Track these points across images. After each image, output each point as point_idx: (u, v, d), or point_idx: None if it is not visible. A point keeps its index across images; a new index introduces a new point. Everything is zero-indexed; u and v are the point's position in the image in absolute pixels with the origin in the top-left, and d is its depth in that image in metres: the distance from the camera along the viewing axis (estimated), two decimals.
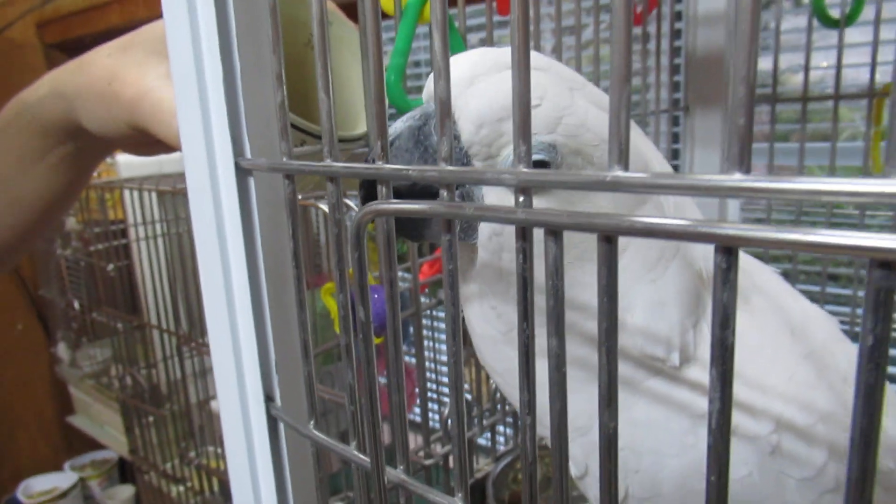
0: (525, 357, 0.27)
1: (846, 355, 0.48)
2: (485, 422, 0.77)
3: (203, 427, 1.49)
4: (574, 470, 0.48)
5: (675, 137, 1.10)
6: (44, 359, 2.18)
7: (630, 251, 0.43)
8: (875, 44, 0.88)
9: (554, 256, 0.25)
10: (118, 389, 1.60)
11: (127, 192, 1.40)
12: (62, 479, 2.04)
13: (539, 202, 0.41)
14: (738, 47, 0.20)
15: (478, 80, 0.41)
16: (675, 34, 1.07)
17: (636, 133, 0.47)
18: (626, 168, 0.23)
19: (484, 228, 0.42)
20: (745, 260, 0.56)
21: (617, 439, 0.25)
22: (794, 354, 0.47)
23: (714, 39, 0.99)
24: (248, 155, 0.41)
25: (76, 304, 1.85)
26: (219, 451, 1.57)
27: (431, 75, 0.44)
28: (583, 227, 0.24)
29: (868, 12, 0.91)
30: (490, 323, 0.45)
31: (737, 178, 0.20)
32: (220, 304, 0.44)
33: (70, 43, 1.90)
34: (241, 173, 0.41)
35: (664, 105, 0.97)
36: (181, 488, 1.49)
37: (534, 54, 0.45)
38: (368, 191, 0.41)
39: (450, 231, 0.28)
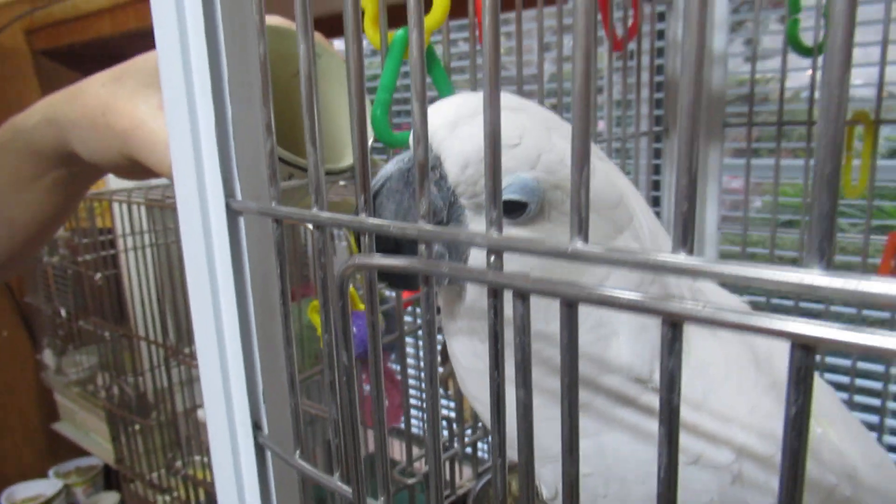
0: (496, 405, 0.29)
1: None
2: (467, 439, 0.80)
3: (190, 438, 1.50)
4: (546, 492, 0.50)
5: (658, 153, 1.13)
6: (29, 365, 2.18)
7: (612, 279, 0.45)
8: (847, 70, 0.91)
9: (521, 315, 0.28)
10: (105, 399, 1.61)
11: (116, 205, 1.41)
12: (47, 486, 2.04)
13: (523, 232, 0.44)
14: (681, 142, 0.22)
15: (460, 123, 0.44)
16: (658, 52, 1.11)
17: (611, 168, 0.49)
18: (585, 239, 0.25)
19: (473, 263, 0.44)
20: (715, 290, 0.59)
21: (578, 485, 0.27)
22: (759, 386, 0.49)
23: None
24: (239, 196, 0.43)
25: (63, 312, 1.85)
26: (205, 460, 1.58)
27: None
28: (547, 292, 0.26)
29: None
30: (478, 356, 0.47)
31: (681, 259, 0.23)
32: (210, 336, 0.46)
33: (60, 50, 1.90)
34: (232, 213, 0.43)
35: (646, 123, 1.00)
36: (167, 498, 1.50)
37: (510, 97, 0.48)
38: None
39: (427, 285, 0.30)
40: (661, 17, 1.04)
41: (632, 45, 0.93)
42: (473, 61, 0.67)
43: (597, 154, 0.49)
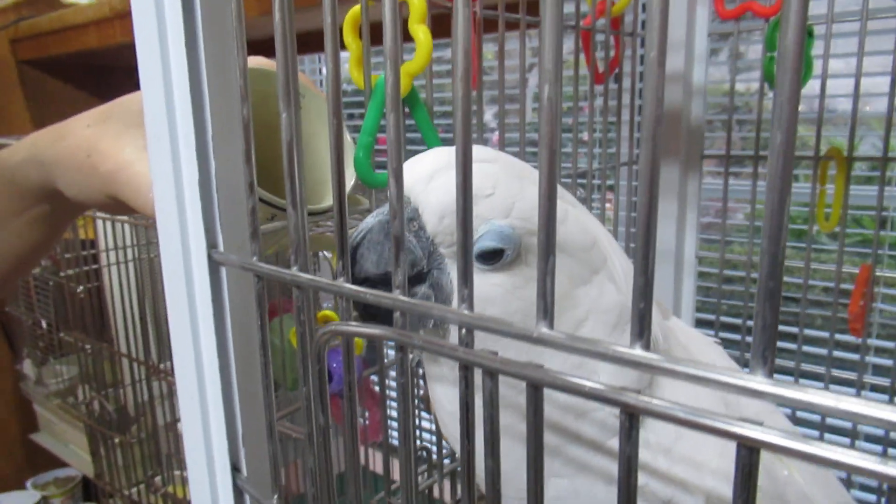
0: (466, 473, 0.31)
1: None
2: (445, 468, 0.81)
3: (171, 453, 1.49)
4: None
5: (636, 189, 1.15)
6: (8, 375, 2.16)
7: (591, 320, 0.46)
8: (820, 110, 0.93)
9: (489, 391, 0.29)
10: (85, 415, 1.60)
11: (99, 221, 1.41)
12: (24, 498, 2.02)
13: (501, 277, 0.45)
14: (638, 243, 0.24)
15: (437, 175, 0.45)
16: (640, 78, 1.13)
17: (583, 212, 0.51)
18: (550, 326, 0.26)
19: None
20: (684, 328, 0.60)
21: None
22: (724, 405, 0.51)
23: (672, 97, 1.04)
24: (221, 247, 0.44)
25: (44, 324, 1.84)
26: (185, 475, 1.58)
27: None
28: (514, 374, 0.27)
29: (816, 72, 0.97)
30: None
31: (637, 353, 0.24)
32: (191, 380, 0.47)
33: (45, 61, 1.89)
34: (214, 264, 0.44)
35: (626, 156, 1.02)
36: None
37: (483, 149, 0.49)
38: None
39: (402, 352, 0.32)
40: (643, 43, 1.06)
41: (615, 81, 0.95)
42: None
43: (568, 200, 0.51)
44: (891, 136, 0.86)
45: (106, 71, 1.98)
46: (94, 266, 1.57)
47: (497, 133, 0.76)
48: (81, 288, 1.59)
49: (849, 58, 0.96)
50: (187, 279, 0.45)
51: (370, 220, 0.46)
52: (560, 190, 0.50)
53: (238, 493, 0.48)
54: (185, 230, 0.44)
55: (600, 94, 0.92)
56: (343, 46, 0.54)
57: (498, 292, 0.45)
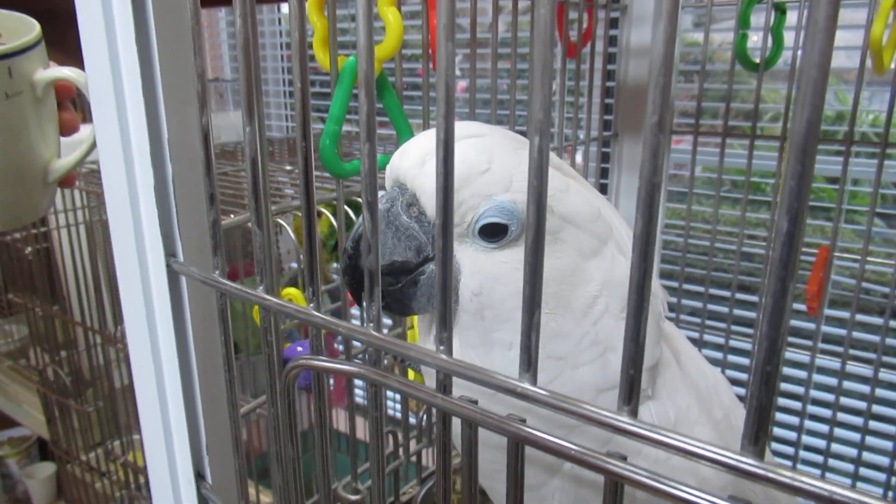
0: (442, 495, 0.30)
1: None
2: (412, 448, 0.81)
3: (129, 417, 1.47)
4: None
5: (606, 157, 1.14)
6: None
7: (603, 297, 0.45)
8: (789, 89, 0.93)
9: (468, 439, 0.28)
10: (38, 383, 1.56)
11: None
12: None
13: (508, 255, 0.43)
14: (628, 323, 0.23)
15: (429, 158, 0.43)
16: (610, 59, 1.11)
17: (584, 183, 0.49)
18: (534, 382, 0.25)
19: (464, 291, 0.44)
20: (692, 355, 0.60)
21: None
22: (712, 419, 0.52)
23: (642, 71, 1.02)
24: (181, 256, 0.41)
25: None
26: None
27: (395, 154, 0.46)
28: (492, 427, 0.26)
29: (787, 56, 0.97)
30: None
31: (625, 420, 0.23)
32: (150, 388, 0.45)
33: None
34: (173, 273, 0.42)
35: (596, 127, 1.00)
36: (105, 482, 1.48)
37: (471, 124, 0.47)
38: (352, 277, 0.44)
39: (377, 396, 0.30)
40: (614, 22, 1.03)
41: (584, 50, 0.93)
42: (427, 85, 0.66)
43: (569, 172, 0.49)
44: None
45: (48, 16, 1.85)
46: (43, 228, 1.50)
47: (468, 80, 0.73)
48: (30, 249, 1.53)
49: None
50: (144, 287, 0.42)
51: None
52: (558, 161, 0.48)
53: (202, 501, 0.47)
54: (141, 236, 0.42)
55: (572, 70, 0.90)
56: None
57: (506, 269, 0.43)
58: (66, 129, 0.60)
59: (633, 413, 0.23)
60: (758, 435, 0.21)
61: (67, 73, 0.54)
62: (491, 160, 0.43)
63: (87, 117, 0.55)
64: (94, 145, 0.56)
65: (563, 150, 0.94)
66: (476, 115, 0.73)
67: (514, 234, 0.43)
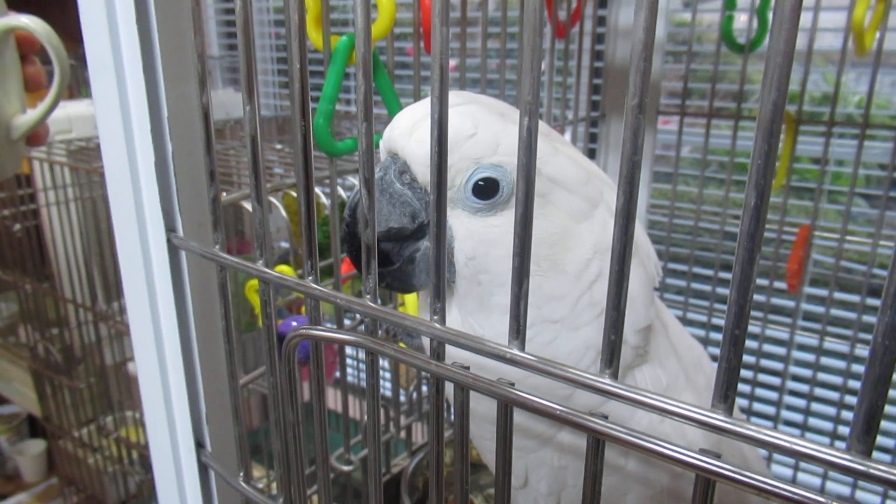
0: (435, 478, 0.32)
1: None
2: (402, 423, 0.83)
3: (121, 394, 1.48)
4: (514, 481, 0.53)
5: (594, 137, 1.15)
6: None
7: (597, 261, 0.46)
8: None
9: (461, 403, 0.30)
10: (29, 359, 1.56)
11: (36, 162, 1.34)
12: None
13: (498, 220, 0.45)
14: (610, 292, 0.24)
15: (416, 127, 0.45)
16: (599, 39, 1.11)
17: (572, 149, 0.51)
18: (522, 347, 0.27)
19: (458, 256, 0.45)
20: (677, 330, 0.62)
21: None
22: (697, 388, 0.54)
23: (629, 50, 1.03)
24: (181, 231, 0.43)
25: None
26: (137, 416, 1.58)
27: (388, 126, 0.47)
28: (483, 390, 0.28)
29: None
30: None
31: (607, 382, 0.25)
32: (152, 362, 0.47)
33: None
34: (174, 248, 0.43)
35: (584, 107, 1.01)
36: (98, 457, 1.49)
37: (458, 93, 0.48)
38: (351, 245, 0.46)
39: (373, 363, 0.32)
40: (603, 2, 1.04)
41: (572, 30, 0.93)
42: (417, 63, 0.67)
43: (558, 139, 0.50)
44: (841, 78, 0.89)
45: None
46: (32, 206, 1.49)
47: (458, 59, 0.74)
48: (18, 226, 1.52)
49: (805, 11, 0.97)
50: (145, 261, 0.44)
51: None
52: (546, 128, 0.49)
53: (203, 469, 0.49)
54: (142, 211, 0.43)
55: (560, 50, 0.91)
56: None
57: (498, 233, 0.44)
58: (31, 85, 0.57)
59: (615, 375, 0.25)
60: (727, 393, 0.23)
61: (25, 21, 0.51)
62: (477, 125, 0.44)
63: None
64: (57, 99, 0.53)
65: (559, 130, 0.95)
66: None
67: (505, 195, 0.44)
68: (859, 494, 1.19)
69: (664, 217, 1.15)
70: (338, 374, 1.05)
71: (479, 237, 0.44)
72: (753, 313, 1.15)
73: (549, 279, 0.44)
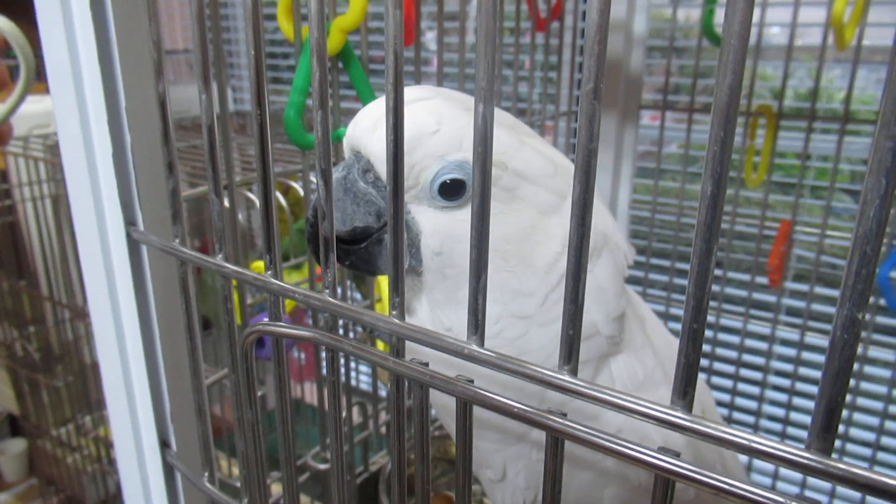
0: (398, 482, 0.31)
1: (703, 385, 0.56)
2: (381, 419, 0.82)
3: (100, 399, 1.46)
4: (493, 475, 0.52)
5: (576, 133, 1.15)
6: None
7: (567, 253, 0.45)
8: (755, 66, 0.95)
9: (420, 401, 0.29)
10: (6, 358, 1.54)
11: (10, 158, 1.31)
12: None
13: (465, 215, 0.43)
14: (568, 276, 0.23)
15: (379, 124, 0.44)
16: (581, 33, 1.11)
17: (540, 141, 0.50)
18: (481, 343, 0.26)
19: (425, 251, 0.44)
20: (648, 317, 0.61)
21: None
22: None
23: (614, 45, 1.03)
24: (141, 225, 0.41)
25: None
26: None
27: (350, 123, 0.46)
28: (442, 388, 0.27)
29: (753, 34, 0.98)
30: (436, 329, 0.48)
31: (566, 378, 0.24)
32: (114, 360, 0.46)
33: None
34: (133, 242, 0.42)
35: (567, 97, 1.01)
36: (77, 456, 1.47)
37: (420, 88, 0.47)
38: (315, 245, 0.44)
39: (333, 360, 0.31)
40: None
41: (555, 25, 0.93)
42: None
43: (525, 132, 0.49)
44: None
45: None
46: (8, 202, 1.47)
47: (436, 56, 0.73)
48: None
49: (785, 6, 0.97)
50: (105, 256, 0.43)
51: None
52: (512, 121, 0.48)
53: (168, 469, 0.47)
54: (101, 204, 0.42)
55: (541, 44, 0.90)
56: None
57: (464, 228, 0.42)
58: None
59: (574, 372, 0.24)
60: (685, 390, 0.22)
61: None
62: (440, 121, 0.43)
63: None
64: (22, 97, 0.52)
65: (542, 125, 0.94)
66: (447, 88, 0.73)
67: (470, 192, 0.43)
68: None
69: (648, 213, 1.15)
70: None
71: (445, 232, 0.43)
72: (735, 308, 1.14)
73: (518, 274, 0.43)
